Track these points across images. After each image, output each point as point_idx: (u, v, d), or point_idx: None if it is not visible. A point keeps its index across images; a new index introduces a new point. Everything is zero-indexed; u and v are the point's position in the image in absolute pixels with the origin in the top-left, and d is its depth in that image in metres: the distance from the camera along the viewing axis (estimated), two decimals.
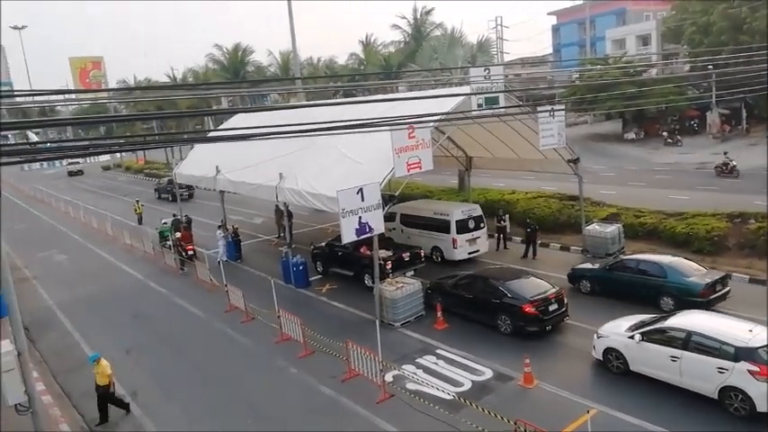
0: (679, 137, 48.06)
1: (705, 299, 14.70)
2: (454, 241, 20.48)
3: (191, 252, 24.01)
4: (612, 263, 17.41)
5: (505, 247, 22.77)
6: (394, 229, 22.43)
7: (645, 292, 15.63)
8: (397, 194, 22.05)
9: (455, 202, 24.95)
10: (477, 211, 21.33)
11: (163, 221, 27.47)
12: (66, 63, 73.90)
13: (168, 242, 26.04)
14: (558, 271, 18.75)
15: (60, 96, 12.20)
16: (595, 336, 13.03)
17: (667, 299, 15.28)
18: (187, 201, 38.98)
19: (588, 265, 18.11)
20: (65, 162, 71.26)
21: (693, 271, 15.71)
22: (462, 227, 20.60)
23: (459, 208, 21.49)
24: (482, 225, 21.23)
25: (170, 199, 40.56)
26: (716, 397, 10.78)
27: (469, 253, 20.79)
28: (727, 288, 15.53)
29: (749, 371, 10.27)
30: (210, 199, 32.97)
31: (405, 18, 62.12)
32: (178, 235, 24.68)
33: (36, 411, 10.07)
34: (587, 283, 17.37)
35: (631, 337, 12.07)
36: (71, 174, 68.85)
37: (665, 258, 16.56)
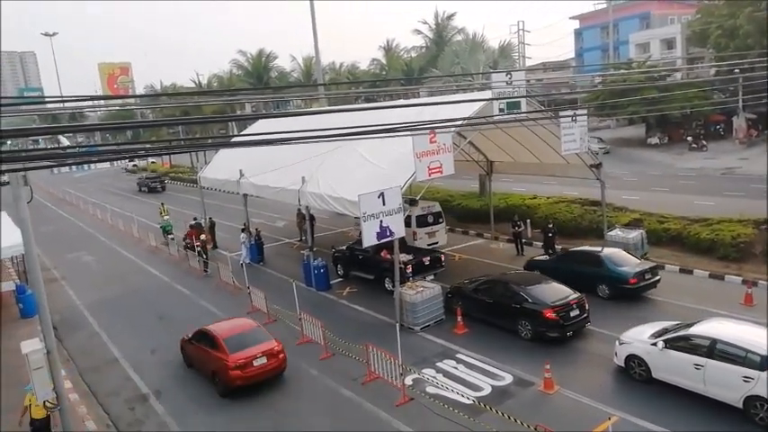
0: (704, 142, 47.32)
1: (635, 286, 16.43)
2: (414, 234, 22.26)
3: (198, 248, 24.74)
4: (560, 254, 19.52)
5: (523, 253, 22.70)
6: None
7: (585, 280, 16.60)
8: (418, 199, 22.22)
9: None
10: (437, 208, 23.71)
11: (165, 217, 30.58)
12: (93, 67, 75.53)
13: (171, 236, 28.64)
14: None
15: (89, 102, 12.54)
16: (617, 342, 12.92)
17: (603, 286, 16.87)
18: (161, 192, 52.00)
19: (544, 257, 20.05)
20: (95, 165, 72.34)
21: (627, 261, 17.20)
22: (422, 222, 22.67)
23: (420, 205, 22.28)
24: (441, 220, 23.68)
25: (147, 191, 52.97)
26: (741, 406, 10.60)
27: (429, 244, 22.30)
28: (657, 277, 17.08)
29: None
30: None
31: (426, 23, 62.11)
32: (203, 237, 25.06)
33: (64, 408, 10.34)
34: (538, 272, 18.29)
35: (654, 344, 11.95)
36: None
37: (604, 250, 18.15)
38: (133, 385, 14.39)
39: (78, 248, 30.90)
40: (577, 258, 18.29)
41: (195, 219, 27.96)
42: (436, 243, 23.07)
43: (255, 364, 13.15)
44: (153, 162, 71.73)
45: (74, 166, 75.16)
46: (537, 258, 20.08)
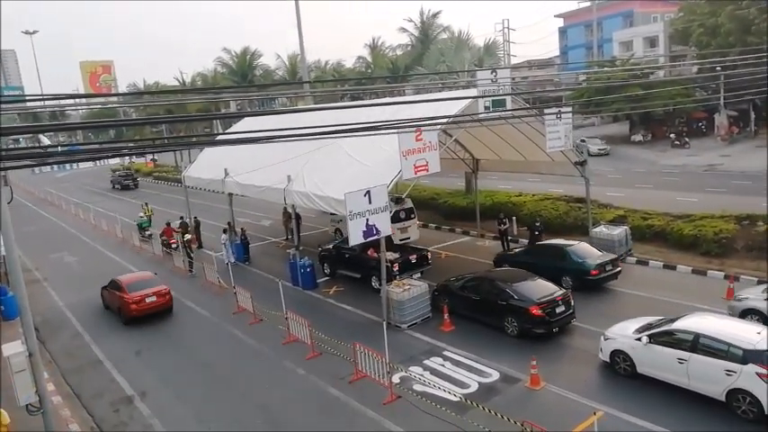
0: (687, 139, 47.88)
1: (596, 277, 17.32)
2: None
3: (174, 246, 25.76)
4: (527, 248, 20.39)
5: (509, 250, 22.80)
6: (341, 220, 24.38)
7: (550, 273, 16.97)
8: (404, 197, 22.23)
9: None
10: (408, 204, 23.75)
11: (140, 215, 31.73)
12: (75, 64, 74.64)
13: (148, 232, 29.83)
14: None
15: (71, 100, 12.36)
16: (602, 338, 13.03)
17: (566, 277, 17.49)
18: (133, 189, 54.22)
19: (512, 251, 20.78)
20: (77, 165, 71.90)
21: (589, 254, 18.06)
22: (394, 218, 22.38)
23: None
24: (412, 216, 23.94)
25: (120, 188, 55.16)
26: (723, 399, 10.75)
27: (401, 239, 22.28)
28: (618, 269, 17.99)
29: (757, 373, 10.23)
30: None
31: (412, 21, 62.17)
32: (188, 237, 24.86)
33: (47, 411, 10.18)
34: (507, 265, 19.22)
35: (639, 339, 12.06)
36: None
37: (568, 243, 18.94)
38: (117, 387, 14.23)
39: (60, 249, 30.50)
40: (543, 252, 19.06)
41: (181, 218, 27.72)
42: (408, 239, 23.31)
43: (147, 300, 18.21)
44: (132, 162, 71.28)
45: (55, 166, 74.18)
46: (505, 252, 21.06)
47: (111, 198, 49.90)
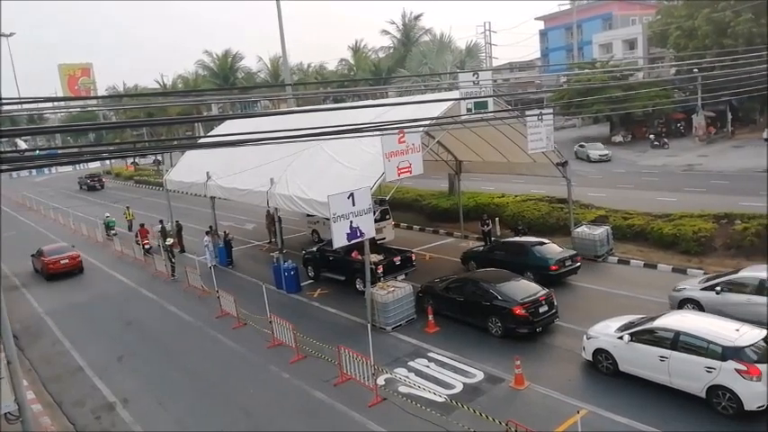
0: (666, 139, 48.59)
1: (556, 272, 18.11)
2: None
3: (147, 246, 27.00)
4: (492, 245, 21.18)
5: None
6: (318, 222, 25.44)
7: (513, 268, 17.46)
8: (387, 199, 22.23)
9: None
10: (384, 205, 23.63)
11: (106, 215, 33.08)
12: (53, 65, 73.57)
13: (113, 231, 31.25)
14: None
15: (49, 104, 12.20)
16: (585, 337, 13.15)
17: (529, 273, 17.92)
18: (99, 190, 58.44)
19: (479, 249, 21.46)
20: (56, 169, 71.89)
21: (550, 251, 18.85)
22: None
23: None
24: (387, 217, 24.55)
25: (87, 189, 59.13)
26: (704, 396, 10.90)
27: (378, 240, 21.86)
28: (578, 264, 18.80)
29: (736, 370, 10.40)
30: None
31: (394, 23, 62.15)
32: (170, 242, 24.61)
33: (26, 420, 10.01)
34: (474, 263, 20.24)
35: (620, 338, 12.19)
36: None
37: (530, 240, 19.89)
38: (99, 394, 14.03)
39: None
40: (507, 248, 19.93)
41: (161, 222, 27.45)
42: (383, 239, 23.52)
43: (62, 263, 24.98)
44: (112, 166, 71.10)
45: (33, 170, 73.35)
46: (472, 249, 21.70)
47: (79, 198, 49.43)
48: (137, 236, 27.77)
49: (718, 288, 14.48)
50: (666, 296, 15.67)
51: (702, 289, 14.94)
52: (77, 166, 72.14)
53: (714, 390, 10.73)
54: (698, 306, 14.74)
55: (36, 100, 9.18)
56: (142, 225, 28.18)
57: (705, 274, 17.34)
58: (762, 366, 10.34)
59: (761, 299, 13.59)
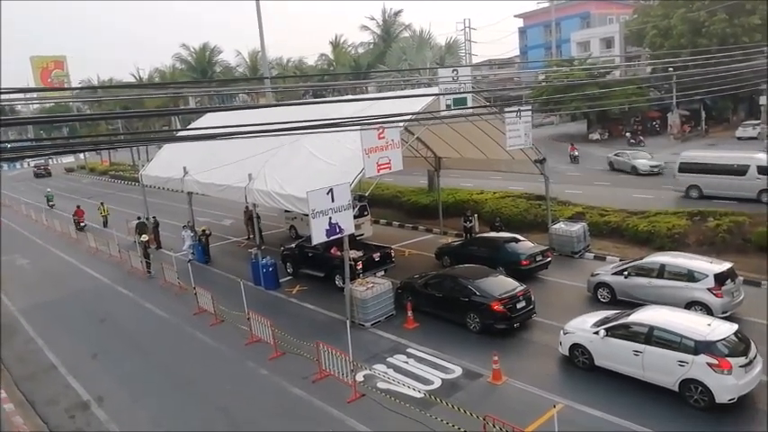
0: (641, 137, 49.26)
1: (527, 267, 18.47)
2: None
3: (83, 225, 31.88)
4: (465, 240, 21.86)
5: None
6: (295, 218, 25.49)
7: (486, 262, 18.02)
8: (367, 195, 22.19)
9: None
10: (363, 201, 24.22)
11: (47, 190, 40.03)
12: (25, 56, 72.11)
13: (52, 203, 36.94)
14: None
15: (21, 95, 11.88)
16: (562, 332, 13.31)
17: (501, 267, 18.15)
18: (46, 177, 69.24)
19: (453, 244, 21.80)
20: (27, 163, 73.25)
21: (522, 246, 19.31)
22: None
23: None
24: (365, 213, 24.83)
25: (43, 175, 69.99)
26: (677, 389, 11.13)
27: (356, 236, 21.51)
28: (549, 259, 19.34)
29: (708, 363, 10.63)
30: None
31: (374, 19, 61.98)
32: (145, 238, 24.26)
33: None
34: (448, 258, 20.64)
35: (596, 333, 12.37)
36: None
37: (503, 236, 20.36)
38: (73, 392, 13.79)
39: (11, 251, 29.34)
40: (480, 243, 20.38)
41: (139, 218, 27.03)
42: (362, 235, 23.54)
43: None
44: (86, 160, 71.28)
45: (5, 165, 72.09)
46: (447, 244, 22.08)
47: (66, 198, 48.39)
48: (74, 215, 32.45)
49: (626, 273, 15.90)
50: None
51: (613, 274, 16.28)
52: (51, 160, 71.07)
53: (687, 383, 10.95)
54: (610, 289, 16.18)
55: (8, 91, 8.92)
56: (78, 206, 32.85)
57: (621, 261, 18.60)
58: (732, 360, 10.58)
59: (660, 281, 15.18)
